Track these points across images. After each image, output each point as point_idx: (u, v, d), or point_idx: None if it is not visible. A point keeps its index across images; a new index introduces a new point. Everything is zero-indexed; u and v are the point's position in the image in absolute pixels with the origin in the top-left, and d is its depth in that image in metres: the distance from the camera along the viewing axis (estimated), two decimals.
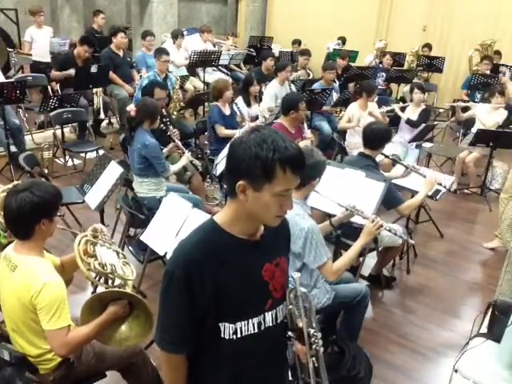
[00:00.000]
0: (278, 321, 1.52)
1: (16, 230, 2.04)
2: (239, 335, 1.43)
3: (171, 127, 4.29)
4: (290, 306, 1.50)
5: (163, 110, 4.63)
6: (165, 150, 4.09)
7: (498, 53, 8.41)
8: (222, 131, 4.90)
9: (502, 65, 7.92)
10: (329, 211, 3.15)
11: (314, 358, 1.51)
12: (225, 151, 4.17)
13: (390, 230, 2.81)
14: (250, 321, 1.44)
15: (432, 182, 3.55)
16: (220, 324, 1.42)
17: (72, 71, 6.21)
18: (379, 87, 7.39)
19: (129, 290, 2.08)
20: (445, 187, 3.60)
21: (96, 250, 2.16)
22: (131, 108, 3.86)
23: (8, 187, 2.51)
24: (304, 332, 1.47)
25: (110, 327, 1.99)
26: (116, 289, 2.04)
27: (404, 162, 3.74)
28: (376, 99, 5.88)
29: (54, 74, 6.39)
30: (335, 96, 6.50)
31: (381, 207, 3.29)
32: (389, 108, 5.85)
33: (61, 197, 2.11)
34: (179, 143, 4.22)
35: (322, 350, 1.51)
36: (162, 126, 4.14)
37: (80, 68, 6.19)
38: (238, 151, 1.32)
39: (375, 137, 3.53)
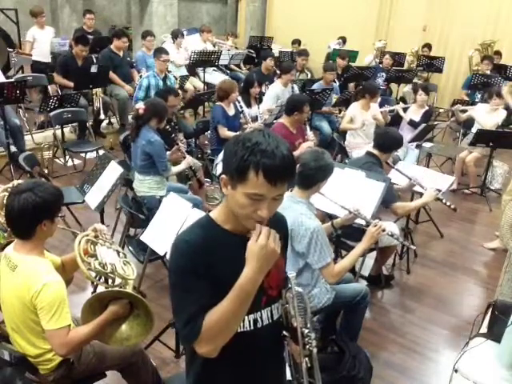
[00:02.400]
0: (274, 319, 1.51)
1: (17, 229, 2.04)
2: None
3: (180, 135, 4.31)
4: (286, 305, 1.50)
5: (173, 116, 4.65)
6: (168, 153, 4.09)
7: (498, 53, 8.40)
8: (224, 132, 4.89)
9: (502, 65, 7.93)
10: (330, 212, 3.15)
11: (307, 359, 1.51)
12: None
13: (392, 235, 2.82)
14: (246, 318, 1.44)
15: (432, 196, 3.50)
16: None
17: (71, 84, 6.22)
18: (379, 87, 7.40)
19: (129, 289, 2.08)
20: (445, 204, 3.56)
21: (96, 249, 2.16)
22: (139, 106, 3.87)
23: (8, 187, 2.51)
24: (298, 332, 1.47)
25: (111, 327, 1.99)
26: (116, 288, 2.04)
27: (407, 174, 3.70)
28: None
29: (58, 79, 6.35)
30: (334, 97, 6.50)
31: (381, 207, 3.29)
32: (391, 108, 5.84)
33: (62, 198, 2.12)
34: (182, 148, 4.23)
35: (315, 350, 1.50)
36: (168, 127, 4.14)
37: (80, 68, 6.19)
38: (227, 146, 1.34)
39: (386, 140, 3.57)
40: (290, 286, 1.48)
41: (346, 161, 5.08)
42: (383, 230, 2.70)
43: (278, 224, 1.56)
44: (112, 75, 6.49)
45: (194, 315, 1.35)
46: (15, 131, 5.34)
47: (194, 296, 1.36)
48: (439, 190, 3.61)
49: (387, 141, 3.57)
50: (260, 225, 1.34)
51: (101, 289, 2.09)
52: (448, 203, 3.51)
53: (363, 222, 2.87)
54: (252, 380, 1.54)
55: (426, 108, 5.78)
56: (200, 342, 1.35)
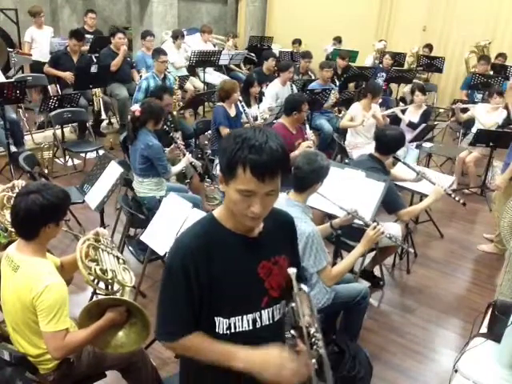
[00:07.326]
0: (275, 319, 1.51)
1: (22, 230, 2.03)
2: (233, 331, 1.44)
3: (176, 134, 4.31)
4: (293, 304, 1.48)
5: (169, 114, 4.64)
6: (166, 151, 4.09)
7: (502, 55, 8.28)
8: (226, 133, 4.87)
9: (502, 65, 7.91)
10: (328, 211, 3.15)
11: (314, 360, 1.46)
12: None
13: (390, 238, 2.81)
14: (245, 317, 1.45)
15: (441, 192, 3.41)
16: (215, 318, 1.43)
17: (66, 73, 6.23)
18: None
19: (127, 295, 2.08)
20: (454, 198, 3.49)
21: (98, 254, 2.16)
22: (136, 108, 3.88)
23: (8, 186, 2.51)
24: (304, 331, 1.44)
25: (107, 333, 1.99)
26: (115, 296, 2.04)
27: (416, 168, 3.67)
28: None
29: (46, 69, 6.39)
30: (333, 93, 6.49)
31: (381, 208, 3.28)
32: (389, 111, 5.84)
33: (69, 201, 2.12)
34: (181, 145, 4.22)
35: (323, 351, 1.45)
36: (165, 127, 4.14)
37: (80, 68, 6.20)
38: (222, 142, 1.36)
39: (389, 142, 3.49)
40: (293, 282, 1.44)
41: (346, 160, 5.07)
42: (382, 233, 2.68)
43: (284, 224, 1.57)
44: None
45: (172, 318, 1.42)
46: (13, 126, 5.31)
47: (175, 297, 1.39)
48: (449, 194, 3.58)
49: (388, 143, 3.49)
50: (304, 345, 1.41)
51: (100, 293, 2.09)
52: (457, 198, 3.48)
53: (362, 223, 2.87)
54: (250, 380, 1.53)
55: (424, 108, 5.78)
56: (173, 348, 1.49)
